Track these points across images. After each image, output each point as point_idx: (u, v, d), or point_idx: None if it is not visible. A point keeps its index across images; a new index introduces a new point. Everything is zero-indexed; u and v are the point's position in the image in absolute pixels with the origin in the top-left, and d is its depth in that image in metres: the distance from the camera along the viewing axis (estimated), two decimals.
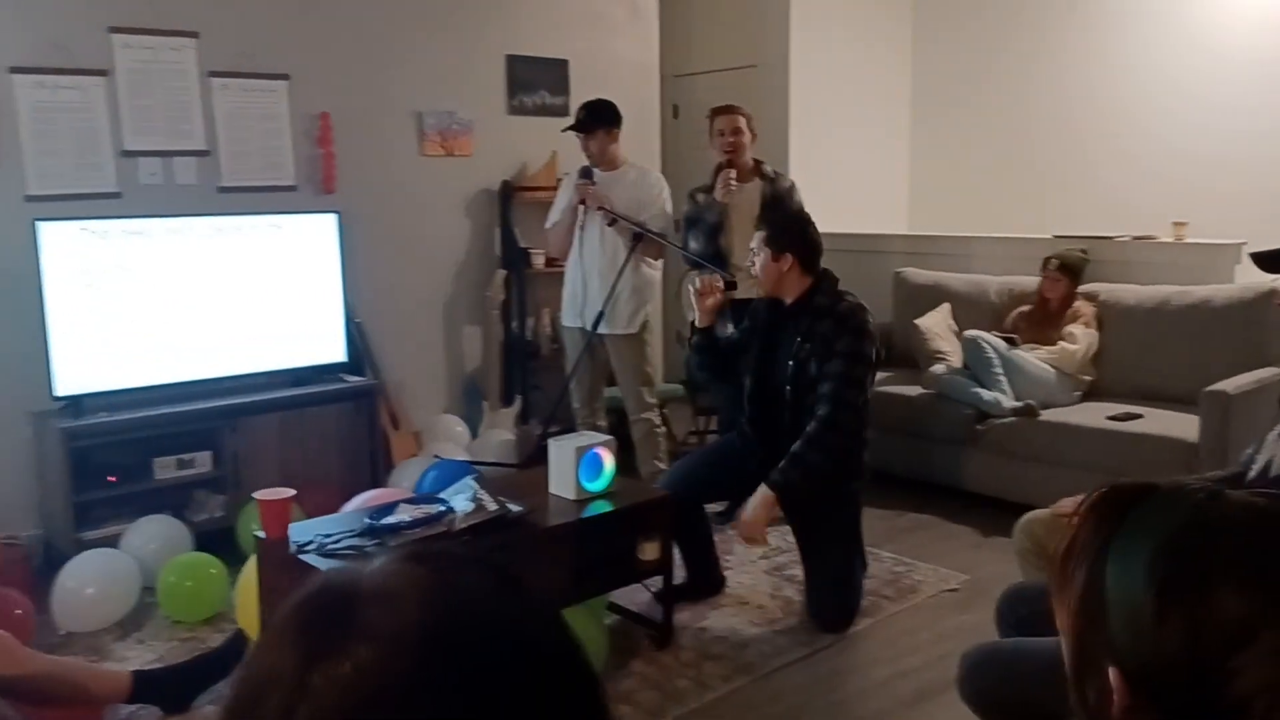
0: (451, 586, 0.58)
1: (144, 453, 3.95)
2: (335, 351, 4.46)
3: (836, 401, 3.21)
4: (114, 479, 3.90)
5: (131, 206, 4.06)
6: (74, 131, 3.97)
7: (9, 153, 3.83)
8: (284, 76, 4.44)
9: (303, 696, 0.52)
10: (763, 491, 3.23)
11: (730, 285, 3.78)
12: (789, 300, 3.39)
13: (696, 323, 3.55)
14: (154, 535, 3.72)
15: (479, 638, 0.56)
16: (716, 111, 4.33)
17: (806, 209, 4.33)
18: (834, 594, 3.40)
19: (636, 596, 3.40)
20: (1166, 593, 0.70)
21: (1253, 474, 2.28)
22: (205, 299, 4.10)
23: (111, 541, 3.68)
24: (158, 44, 4.13)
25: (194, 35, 4.20)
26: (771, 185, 4.29)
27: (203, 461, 4.06)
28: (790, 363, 3.32)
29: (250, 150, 4.40)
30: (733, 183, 4.17)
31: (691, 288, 3.57)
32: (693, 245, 4.31)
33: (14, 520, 3.85)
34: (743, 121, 4.26)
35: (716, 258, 4.23)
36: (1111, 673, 0.72)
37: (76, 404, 3.84)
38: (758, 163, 4.34)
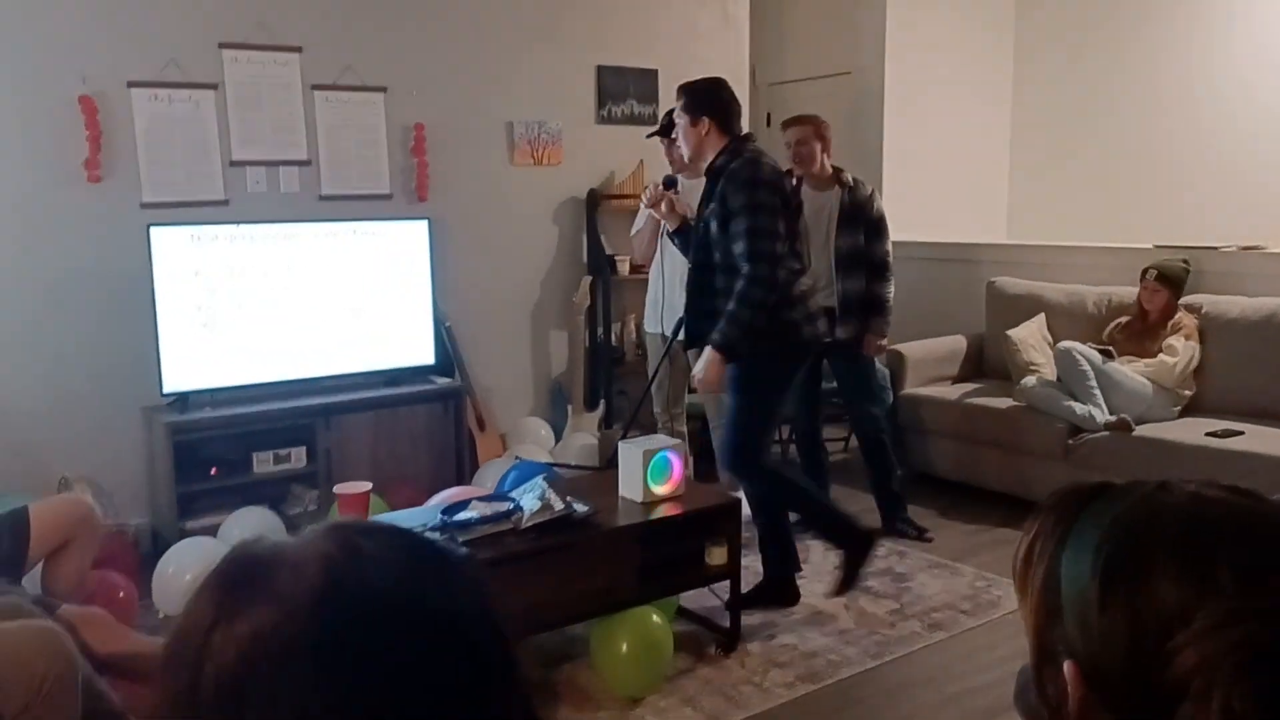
0: (356, 557, 0.60)
1: (244, 447, 4.15)
2: (425, 354, 4.61)
3: (751, 256, 3.22)
4: (215, 471, 4.11)
5: (238, 213, 4.28)
6: (186, 142, 4.21)
7: (127, 162, 4.09)
8: (381, 89, 4.62)
9: (208, 654, 0.57)
10: (708, 352, 3.31)
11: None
12: (708, 166, 3.44)
13: (669, 229, 3.67)
14: (251, 526, 3.89)
15: (372, 608, 0.58)
16: (787, 123, 4.34)
17: (889, 218, 4.32)
18: (722, 435, 3.48)
19: (706, 601, 3.42)
20: (1108, 580, 0.71)
21: None
22: (304, 302, 4.29)
23: (211, 531, 3.88)
24: (264, 59, 4.34)
25: (298, 50, 4.40)
26: (851, 193, 4.25)
27: (298, 457, 4.24)
28: (702, 226, 3.38)
29: (349, 160, 4.59)
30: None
31: (642, 204, 3.70)
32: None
33: (125, 508, 4.09)
34: (811, 131, 4.22)
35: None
36: (1066, 666, 0.72)
37: (183, 400, 4.06)
38: (837, 170, 4.30)
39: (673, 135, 4.23)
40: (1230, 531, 0.70)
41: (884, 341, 4.38)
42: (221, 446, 4.14)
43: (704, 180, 4.28)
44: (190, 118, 4.21)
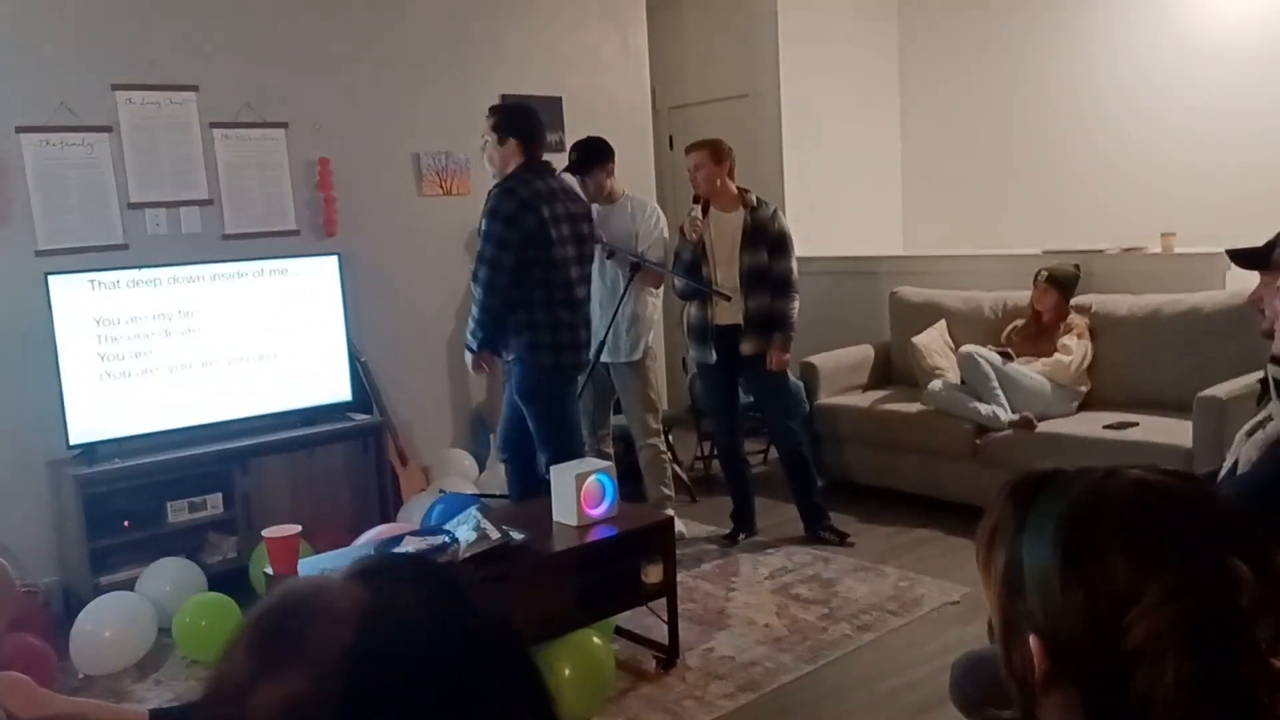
0: (388, 605, 0.61)
1: (157, 497, 4.03)
2: (341, 391, 4.55)
3: (474, 277, 3.69)
4: (128, 524, 3.98)
5: (139, 257, 4.17)
6: (81, 187, 4.09)
7: (19, 210, 3.95)
8: (283, 125, 4.56)
9: (245, 712, 0.57)
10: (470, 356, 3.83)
11: (722, 296, 4.24)
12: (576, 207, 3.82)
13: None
14: (169, 577, 3.79)
15: (409, 660, 0.58)
16: (686, 150, 4.39)
17: (793, 234, 4.43)
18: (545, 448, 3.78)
19: (641, 619, 3.45)
20: (1068, 561, 0.78)
21: (1223, 472, 2.34)
22: (213, 343, 4.20)
23: (127, 585, 3.76)
24: (160, 99, 4.25)
25: (194, 89, 4.32)
26: (754, 213, 4.33)
27: (214, 503, 4.14)
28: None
29: (252, 198, 4.52)
30: (696, 219, 4.23)
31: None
32: (678, 285, 4.38)
33: (32, 567, 3.91)
34: (706, 155, 4.27)
35: (704, 285, 4.30)
36: (1031, 640, 0.79)
37: (90, 452, 3.93)
38: (742, 191, 4.37)
39: (585, 170, 4.33)
40: (1172, 514, 0.78)
41: (787, 356, 4.39)
42: (133, 497, 4.01)
43: (615, 208, 4.38)
44: (84, 161, 4.10)
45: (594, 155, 4.35)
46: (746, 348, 4.30)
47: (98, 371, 3.93)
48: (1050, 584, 0.78)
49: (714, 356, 4.35)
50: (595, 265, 4.33)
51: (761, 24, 6.48)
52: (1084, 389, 4.63)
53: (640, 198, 4.55)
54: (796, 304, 4.36)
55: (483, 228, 3.64)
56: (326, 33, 4.68)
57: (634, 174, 5.48)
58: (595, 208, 4.30)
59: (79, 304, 3.88)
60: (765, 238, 4.30)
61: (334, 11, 4.70)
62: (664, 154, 6.68)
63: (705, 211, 4.30)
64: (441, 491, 4.38)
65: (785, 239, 4.34)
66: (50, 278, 3.81)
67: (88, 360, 3.90)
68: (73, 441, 3.88)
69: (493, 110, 3.80)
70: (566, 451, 3.67)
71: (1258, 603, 0.73)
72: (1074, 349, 4.59)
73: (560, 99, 5.44)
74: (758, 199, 4.39)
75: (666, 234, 4.48)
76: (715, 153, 4.29)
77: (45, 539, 4.02)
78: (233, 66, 4.42)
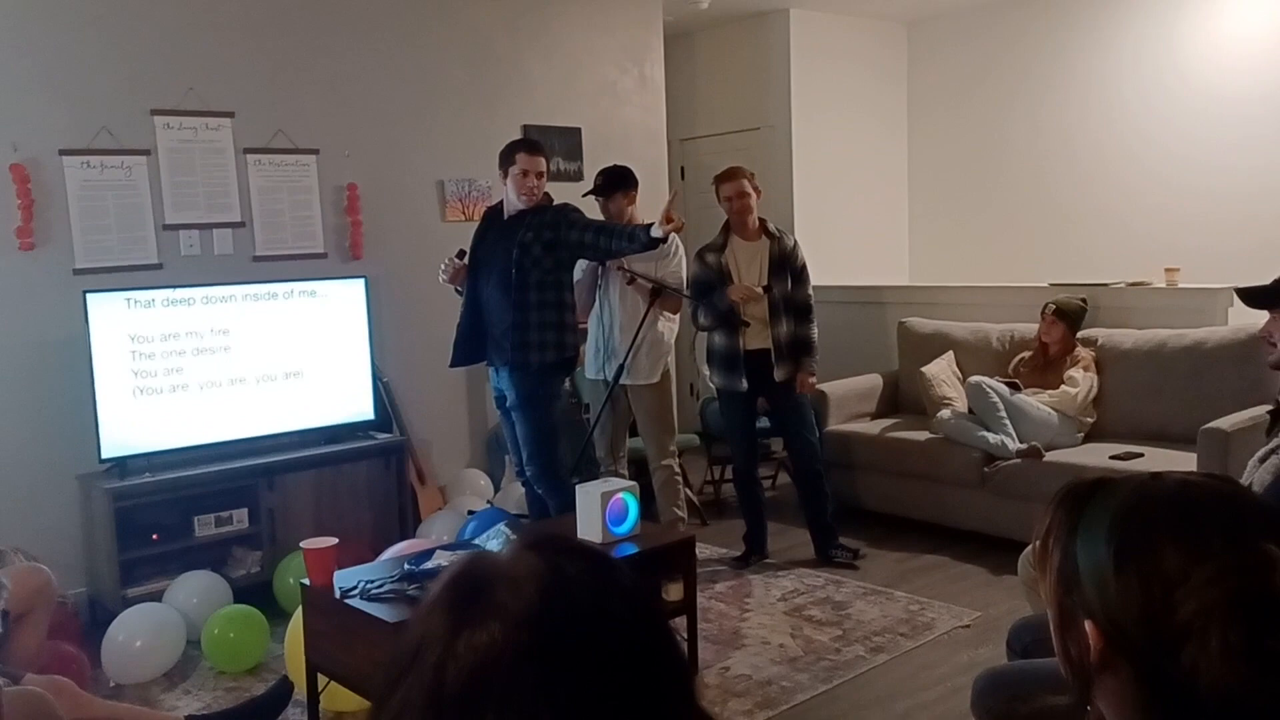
0: (561, 573, 0.72)
1: (185, 511, 4.12)
2: (364, 409, 4.65)
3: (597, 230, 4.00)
4: (157, 537, 4.06)
5: (172, 277, 4.28)
6: (118, 208, 4.21)
7: (59, 229, 4.07)
8: (314, 151, 4.69)
9: (451, 655, 0.68)
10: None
11: (745, 324, 4.40)
12: (511, 211, 4.00)
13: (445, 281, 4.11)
14: (196, 590, 3.88)
15: (583, 617, 0.70)
16: (720, 179, 4.53)
17: (809, 265, 4.58)
18: (531, 457, 4.02)
19: None
20: (1121, 553, 0.89)
21: None
22: (241, 362, 4.30)
23: (155, 597, 3.84)
24: (197, 124, 4.39)
25: (230, 115, 4.46)
26: (778, 243, 4.50)
27: (240, 518, 4.23)
28: (515, 250, 3.87)
29: (283, 221, 4.64)
30: (750, 296, 4.39)
31: (441, 279, 4.08)
32: (702, 321, 4.54)
33: (61, 578, 3.97)
34: (746, 184, 4.46)
35: (731, 313, 4.43)
36: (1087, 625, 0.90)
37: (121, 466, 4.02)
38: (762, 221, 4.54)
39: (608, 195, 4.47)
40: (1214, 506, 0.89)
41: (814, 379, 4.59)
42: (162, 511, 4.10)
43: None
44: (123, 183, 4.22)
45: (618, 182, 4.48)
46: (780, 373, 4.45)
47: (131, 387, 4.03)
48: (1105, 573, 0.89)
49: (745, 384, 4.46)
50: (615, 292, 4.47)
51: (775, 59, 6.65)
52: (1090, 420, 4.73)
53: None
54: (816, 329, 4.57)
55: (574, 227, 3.94)
56: (357, 64, 4.82)
57: (649, 203, 5.58)
58: None
59: (115, 321, 3.98)
60: (789, 267, 4.47)
61: (365, 44, 4.84)
62: (676, 185, 6.82)
63: (725, 241, 4.48)
64: (470, 512, 4.49)
65: (805, 268, 4.56)
66: (88, 295, 3.91)
67: (121, 376, 4.00)
68: (104, 455, 3.98)
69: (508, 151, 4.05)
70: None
71: None
72: (1080, 381, 4.70)
73: (580, 130, 5.58)
74: (778, 229, 4.54)
75: (685, 261, 4.60)
76: (752, 182, 4.49)
77: (74, 550, 4.11)
78: (267, 95, 4.56)
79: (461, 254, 4.03)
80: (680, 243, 4.66)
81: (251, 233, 4.56)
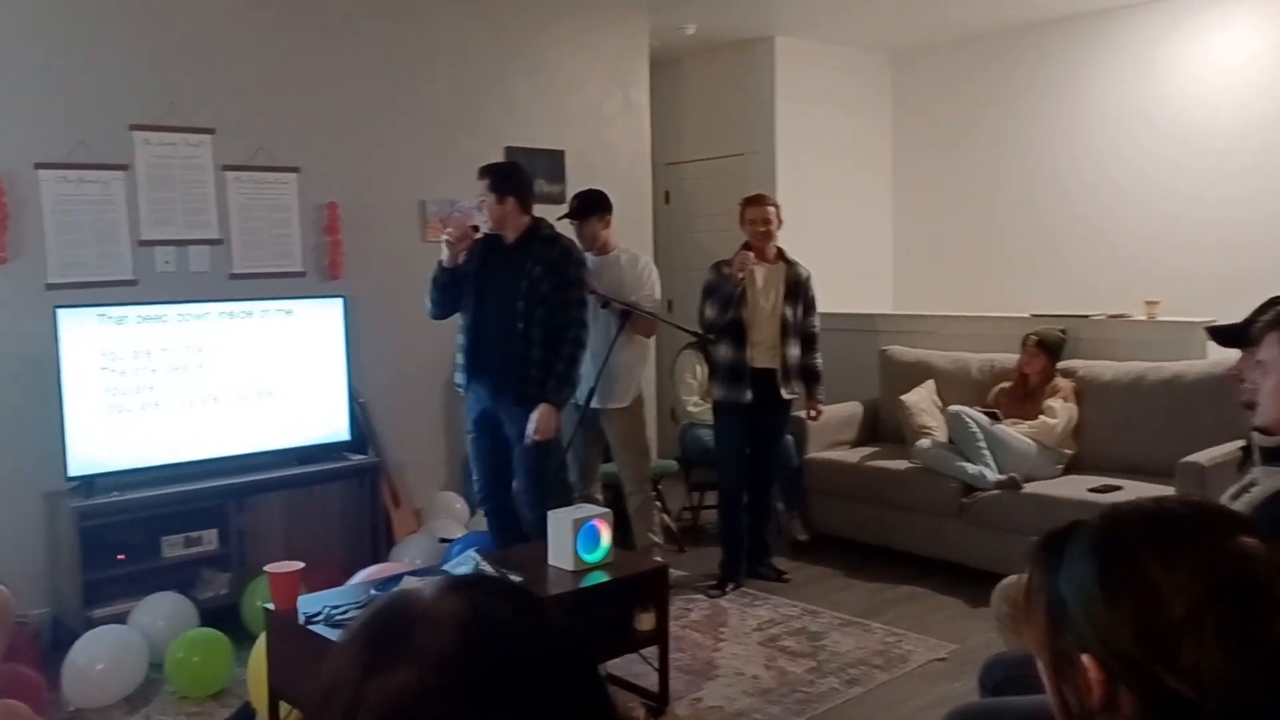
0: (484, 615, 0.69)
1: (152, 531, 4.05)
2: (340, 430, 4.60)
3: (580, 323, 3.88)
4: (123, 557, 3.99)
5: (147, 293, 4.24)
6: (94, 223, 4.17)
7: (33, 243, 4.02)
8: (294, 169, 4.66)
9: (361, 700, 0.65)
10: (546, 406, 3.81)
11: (709, 341, 4.55)
12: (511, 237, 3.88)
13: (444, 262, 3.90)
14: (161, 612, 3.80)
15: (502, 661, 0.67)
16: (748, 202, 4.66)
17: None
18: (530, 488, 3.92)
19: (631, 667, 3.49)
20: (1105, 571, 0.89)
21: None
22: (215, 380, 4.25)
23: (119, 619, 3.76)
24: (176, 140, 4.35)
25: (210, 131, 4.43)
26: (794, 270, 4.64)
27: (209, 539, 4.16)
28: (524, 283, 3.79)
29: (261, 239, 4.60)
30: (751, 264, 4.47)
31: (445, 237, 3.91)
32: (708, 313, 4.54)
33: (24, 598, 3.91)
34: (772, 212, 4.60)
35: (732, 325, 4.49)
36: (1084, 660, 0.89)
37: (89, 484, 3.95)
38: (780, 249, 4.66)
39: (582, 218, 4.47)
40: (1188, 513, 0.91)
41: (822, 407, 4.86)
42: (129, 531, 4.02)
43: (609, 260, 4.49)
44: (99, 198, 4.18)
45: (593, 206, 4.48)
46: (786, 392, 4.60)
47: (100, 405, 3.97)
48: (1092, 597, 0.89)
49: (749, 395, 4.53)
50: (589, 314, 4.45)
51: (759, 86, 6.67)
52: (1069, 452, 4.72)
53: (633, 251, 4.67)
54: (821, 359, 4.76)
55: (576, 276, 3.88)
56: (340, 82, 4.81)
57: (632, 227, 5.60)
58: (590, 258, 4.42)
59: (86, 337, 3.93)
60: (802, 295, 4.64)
61: (348, 62, 4.83)
62: (660, 209, 6.82)
63: (758, 260, 4.58)
64: (443, 540, 4.45)
65: (815, 301, 4.73)
66: (59, 310, 3.86)
67: (91, 393, 3.95)
68: (71, 473, 3.91)
69: (488, 172, 3.93)
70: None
71: (1271, 570, 0.86)
72: (1059, 412, 4.70)
73: (563, 152, 5.57)
74: (793, 259, 4.67)
75: (658, 285, 4.61)
76: (778, 211, 4.63)
77: (38, 569, 4.03)
78: (248, 112, 4.53)
79: (476, 228, 3.95)
80: (654, 268, 4.66)
81: (229, 250, 4.52)
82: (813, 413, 4.82)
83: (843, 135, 6.96)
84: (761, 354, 4.55)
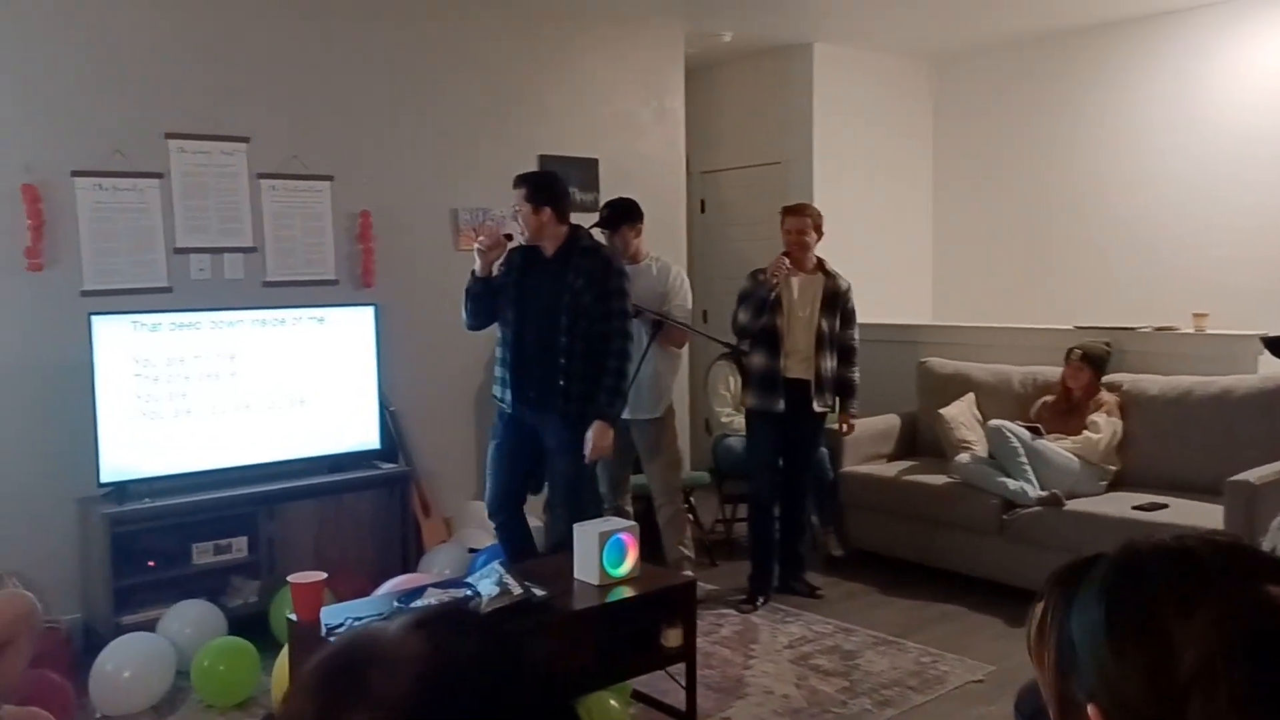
0: (446, 657, 0.64)
1: (183, 538, 4.06)
2: (370, 439, 4.59)
3: (625, 335, 3.80)
4: (153, 564, 4.00)
5: (182, 300, 4.25)
6: (129, 230, 4.19)
7: (68, 250, 4.05)
8: (328, 178, 4.67)
9: None
10: (600, 424, 3.73)
11: (742, 353, 4.49)
12: (550, 249, 3.77)
13: (477, 272, 3.82)
14: (190, 620, 3.80)
15: (465, 705, 0.61)
16: (787, 211, 4.59)
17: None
18: (568, 501, 3.84)
19: (659, 684, 3.42)
20: (1114, 613, 0.81)
21: None
22: (247, 388, 4.26)
23: (149, 625, 3.77)
24: (211, 148, 4.38)
25: (245, 140, 4.44)
26: (833, 282, 4.54)
27: (239, 547, 4.16)
28: (566, 295, 3.70)
29: (294, 246, 4.61)
30: (786, 268, 4.40)
31: (478, 246, 3.81)
32: (740, 318, 4.47)
33: (56, 603, 3.95)
34: (809, 222, 4.50)
35: (765, 333, 4.43)
36: (1090, 710, 0.81)
37: (121, 490, 3.97)
38: (820, 260, 4.57)
39: (613, 227, 4.43)
40: (1209, 554, 0.81)
41: (854, 421, 4.79)
42: (160, 538, 4.04)
43: (640, 269, 4.45)
44: (134, 206, 4.21)
45: (624, 215, 4.45)
46: (819, 404, 4.51)
47: (133, 411, 3.99)
48: (1099, 641, 0.80)
49: (782, 405, 4.46)
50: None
51: (797, 93, 6.60)
52: (1113, 468, 4.59)
53: (665, 260, 4.62)
54: (858, 372, 4.67)
55: (618, 286, 3.77)
56: (373, 91, 4.81)
57: (666, 236, 5.55)
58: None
59: (120, 344, 3.95)
60: (840, 307, 4.55)
61: (382, 72, 4.83)
62: (695, 218, 6.77)
63: (791, 270, 4.50)
64: (472, 550, 4.42)
65: (854, 313, 4.65)
66: (94, 318, 3.89)
67: (124, 400, 3.96)
68: (104, 479, 3.93)
69: (524, 181, 3.81)
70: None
71: None
72: (1103, 427, 4.57)
73: (596, 160, 5.54)
74: (833, 269, 4.59)
75: (690, 295, 4.56)
76: (816, 221, 4.55)
77: (70, 575, 4.06)
78: (283, 120, 4.54)
79: (509, 237, 3.85)
80: (685, 277, 4.61)
81: (263, 258, 4.53)
82: (845, 426, 4.74)
83: (882, 143, 6.86)
84: (796, 364, 4.47)
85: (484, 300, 3.84)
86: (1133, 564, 0.83)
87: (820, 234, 4.56)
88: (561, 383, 3.72)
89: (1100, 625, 0.81)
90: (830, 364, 4.52)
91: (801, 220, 4.50)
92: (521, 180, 3.82)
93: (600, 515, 3.94)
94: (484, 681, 0.63)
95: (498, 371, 3.92)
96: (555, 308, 3.73)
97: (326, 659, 0.65)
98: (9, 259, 3.92)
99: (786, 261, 4.41)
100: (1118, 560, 0.84)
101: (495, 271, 3.83)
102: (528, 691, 0.65)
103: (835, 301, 4.53)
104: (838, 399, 4.63)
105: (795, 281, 4.48)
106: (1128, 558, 0.84)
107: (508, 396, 3.84)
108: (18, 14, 3.95)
